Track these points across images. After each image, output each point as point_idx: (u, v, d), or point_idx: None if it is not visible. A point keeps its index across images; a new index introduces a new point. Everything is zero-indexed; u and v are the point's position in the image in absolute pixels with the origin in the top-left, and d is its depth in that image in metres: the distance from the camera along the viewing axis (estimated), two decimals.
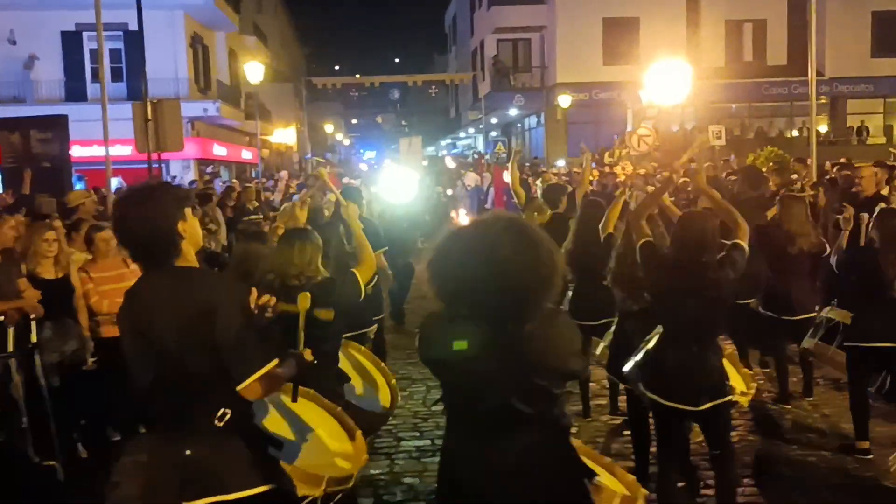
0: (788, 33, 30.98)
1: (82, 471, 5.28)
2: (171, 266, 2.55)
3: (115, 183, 13.90)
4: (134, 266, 5.89)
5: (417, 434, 5.80)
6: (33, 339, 5.13)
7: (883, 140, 30.17)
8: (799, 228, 5.95)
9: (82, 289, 5.54)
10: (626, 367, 4.38)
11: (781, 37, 31.03)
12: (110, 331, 5.54)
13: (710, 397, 3.92)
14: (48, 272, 5.43)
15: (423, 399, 6.59)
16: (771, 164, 12.59)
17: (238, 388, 2.47)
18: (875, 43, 29.72)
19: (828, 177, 9.56)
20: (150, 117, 10.19)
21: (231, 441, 2.49)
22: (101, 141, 10.25)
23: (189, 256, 2.58)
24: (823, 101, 30.89)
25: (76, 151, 15.75)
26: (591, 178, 17.49)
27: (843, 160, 14.48)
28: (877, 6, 29.25)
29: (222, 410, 2.47)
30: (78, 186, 13.61)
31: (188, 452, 2.46)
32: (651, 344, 4.21)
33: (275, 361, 2.54)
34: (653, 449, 4.57)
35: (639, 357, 4.26)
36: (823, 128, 30.68)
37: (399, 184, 8.55)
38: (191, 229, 2.59)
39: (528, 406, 2.29)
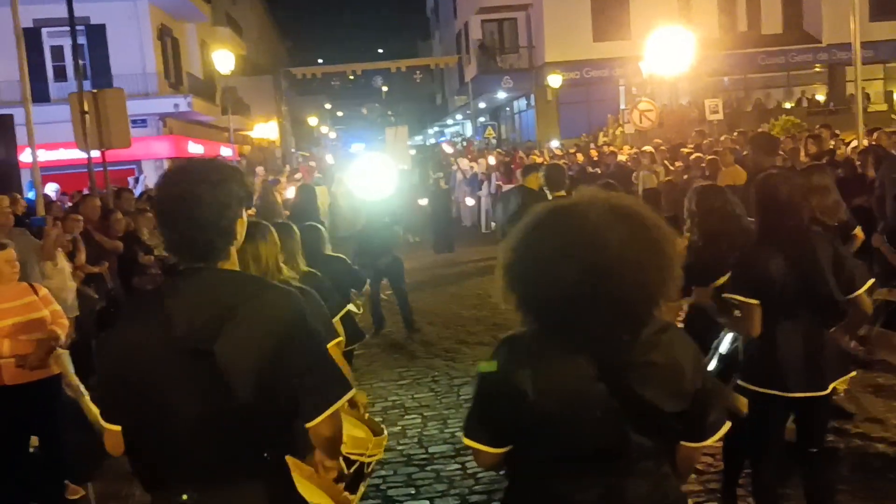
0: (783, 0, 29.89)
1: None
2: (218, 269, 2.03)
3: (50, 188, 12.80)
4: (44, 292, 4.69)
5: (413, 491, 4.52)
6: None
7: (885, 107, 29.14)
8: None
9: None
10: (711, 367, 3.75)
11: (776, 5, 29.97)
12: (15, 376, 4.36)
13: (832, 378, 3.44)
14: None
15: (418, 437, 5.29)
16: (794, 133, 11.44)
17: (309, 425, 1.99)
18: (874, 5, 28.56)
19: (874, 143, 8.41)
20: (87, 109, 8.93)
21: (271, 487, 2.00)
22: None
23: (234, 261, 2.08)
24: (819, 69, 29.84)
25: (40, 156, 14.59)
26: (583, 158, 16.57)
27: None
28: None
29: (265, 453, 1.99)
30: (30, 192, 12.46)
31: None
32: (726, 343, 3.74)
33: (353, 391, 2.08)
34: None
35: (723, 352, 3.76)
36: (821, 97, 29.67)
37: (375, 178, 7.33)
38: (242, 230, 2.08)
39: (649, 438, 1.87)
